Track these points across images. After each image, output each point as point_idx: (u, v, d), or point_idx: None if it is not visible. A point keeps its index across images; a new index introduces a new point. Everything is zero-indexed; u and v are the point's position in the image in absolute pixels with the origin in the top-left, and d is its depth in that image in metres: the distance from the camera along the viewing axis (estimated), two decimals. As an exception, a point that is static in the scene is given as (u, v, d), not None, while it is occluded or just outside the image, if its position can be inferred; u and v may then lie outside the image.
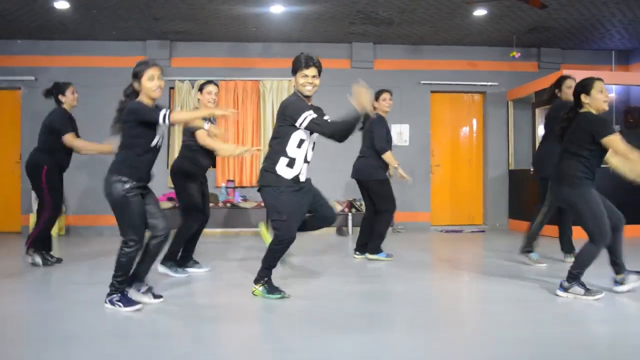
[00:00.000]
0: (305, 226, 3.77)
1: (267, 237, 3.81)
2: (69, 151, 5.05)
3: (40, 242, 4.96)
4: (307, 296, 3.81)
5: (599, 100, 3.68)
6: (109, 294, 3.38)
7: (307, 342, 2.80)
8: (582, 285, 3.64)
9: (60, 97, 5.04)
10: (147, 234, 3.43)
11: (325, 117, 3.67)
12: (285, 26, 7.78)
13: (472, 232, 8.35)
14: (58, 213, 5.03)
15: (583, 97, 3.71)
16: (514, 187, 8.78)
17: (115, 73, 8.35)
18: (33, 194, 7.65)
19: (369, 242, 5.37)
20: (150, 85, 3.33)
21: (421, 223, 8.75)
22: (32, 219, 7.67)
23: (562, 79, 5.07)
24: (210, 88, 4.58)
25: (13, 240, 7.38)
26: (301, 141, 3.59)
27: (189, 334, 3.03)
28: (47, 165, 4.88)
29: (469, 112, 9.20)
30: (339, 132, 3.49)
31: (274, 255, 3.63)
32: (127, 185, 3.28)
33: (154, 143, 3.40)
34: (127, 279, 3.40)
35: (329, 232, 7.96)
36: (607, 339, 2.94)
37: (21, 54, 8.25)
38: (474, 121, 9.20)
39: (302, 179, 3.66)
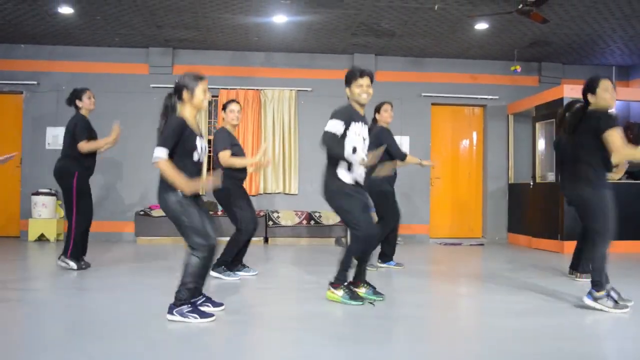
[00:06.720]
0: None
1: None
2: (94, 155, 5.08)
3: (76, 248, 5.00)
4: (303, 305, 3.80)
5: (605, 98, 3.69)
6: (176, 305, 3.18)
7: (304, 352, 2.79)
8: (612, 298, 3.63)
9: (77, 102, 5.07)
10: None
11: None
12: (287, 36, 7.82)
13: (471, 245, 8.34)
14: (90, 217, 5.07)
15: (589, 96, 3.75)
16: (514, 200, 8.78)
17: (118, 79, 8.40)
18: (33, 199, 7.68)
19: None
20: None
21: (420, 235, 8.74)
22: (32, 224, 7.70)
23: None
24: (233, 106, 4.87)
25: (13, 244, 7.35)
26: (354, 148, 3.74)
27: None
28: (78, 171, 4.92)
29: (469, 125, 9.23)
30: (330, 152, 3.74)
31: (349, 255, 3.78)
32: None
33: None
34: (194, 288, 3.24)
35: (329, 242, 7.95)
36: (608, 355, 2.92)
37: (24, 59, 8.29)
38: (474, 134, 9.22)
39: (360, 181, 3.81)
